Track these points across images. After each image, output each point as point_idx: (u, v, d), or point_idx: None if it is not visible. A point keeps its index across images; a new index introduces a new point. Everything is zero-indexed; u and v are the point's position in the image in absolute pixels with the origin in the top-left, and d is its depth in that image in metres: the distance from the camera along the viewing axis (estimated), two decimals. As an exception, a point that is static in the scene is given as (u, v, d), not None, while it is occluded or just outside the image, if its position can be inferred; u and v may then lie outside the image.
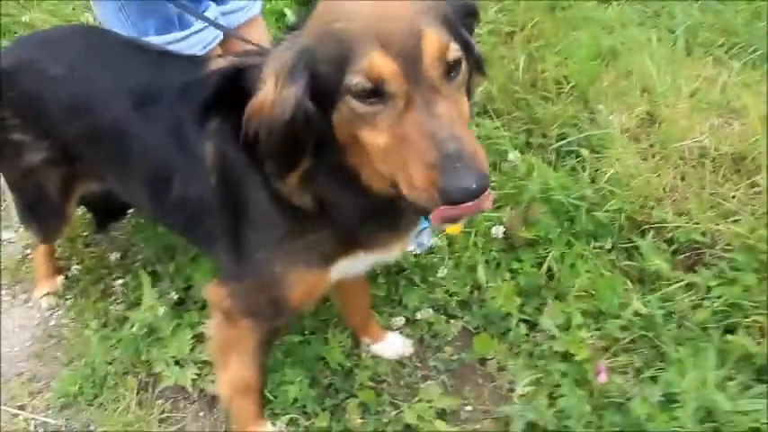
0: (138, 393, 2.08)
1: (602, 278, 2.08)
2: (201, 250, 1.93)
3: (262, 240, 1.54)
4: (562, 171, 2.29)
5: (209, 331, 1.80)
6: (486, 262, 2.23)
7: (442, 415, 1.99)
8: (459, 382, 2.09)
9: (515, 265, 2.22)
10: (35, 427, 2.07)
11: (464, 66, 1.18)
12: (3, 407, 2.11)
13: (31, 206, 2.05)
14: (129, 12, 2.05)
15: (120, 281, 2.37)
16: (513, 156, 2.31)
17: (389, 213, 1.42)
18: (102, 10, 2.13)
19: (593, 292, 2.10)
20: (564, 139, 2.39)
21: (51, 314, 2.37)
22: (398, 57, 1.08)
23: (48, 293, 2.37)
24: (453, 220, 1.16)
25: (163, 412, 2.06)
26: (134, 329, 2.10)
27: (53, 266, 2.38)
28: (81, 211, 2.40)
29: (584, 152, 2.29)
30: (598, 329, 2.06)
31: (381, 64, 1.08)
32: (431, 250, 2.30)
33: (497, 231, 2.20)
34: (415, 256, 2.30)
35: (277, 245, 1.52)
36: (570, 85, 2.54)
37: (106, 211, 2.37)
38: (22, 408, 2.12)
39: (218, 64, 1.55)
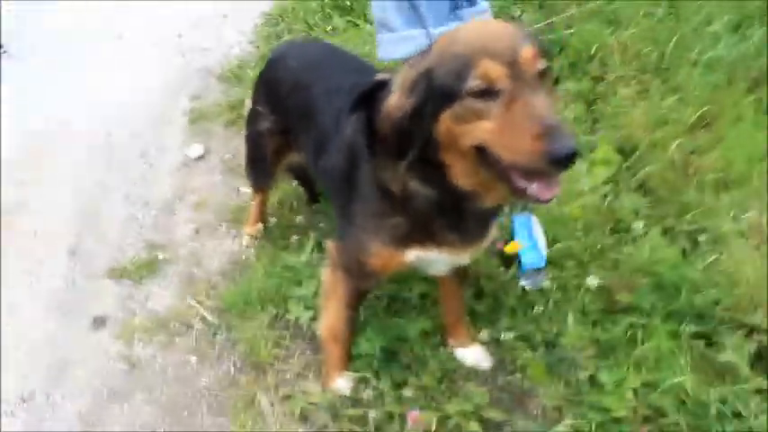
0: (270, 318, 2.59)
1: (673, 356, 2.12)
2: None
3: (360, 211, 1.95)
4: (676, 249, 2.36)
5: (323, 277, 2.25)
6: (580, 312, 2.38)
7: (481, 420, 2.18)
8: (516, 405, 2.27)
9: (605, 324, 2.33)
10: (198, 316, 2.72)
11: (550, 75, 1.52)
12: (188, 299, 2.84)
13: (254, 161, 2.76)
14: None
15: (296, 237, 2.96)
16: (637, 225, 2.44)
17: (457, 216, 1.76)
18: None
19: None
20: (691, 223, 2.45)
21: (246, 249, 3.02)
22: (504, 63, 1.42)
23: (249, 234, 3.05)
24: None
25: (281, 338, 2.54)
26: (280, 270, 2.66)
27: (261, 215, 3.03)
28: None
29: (702, 238, 2.32)
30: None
31: (491, 68, 1.42)
32: (540, 289, 2.53)
33: (593, 282, 2.37)
34: (524, 289, 2.54)
35: (368, 218, 1.91)
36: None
37: (312, 186, 3.09)
38: (199, 302, 2.78)
39: (378, 77, 2.06)
